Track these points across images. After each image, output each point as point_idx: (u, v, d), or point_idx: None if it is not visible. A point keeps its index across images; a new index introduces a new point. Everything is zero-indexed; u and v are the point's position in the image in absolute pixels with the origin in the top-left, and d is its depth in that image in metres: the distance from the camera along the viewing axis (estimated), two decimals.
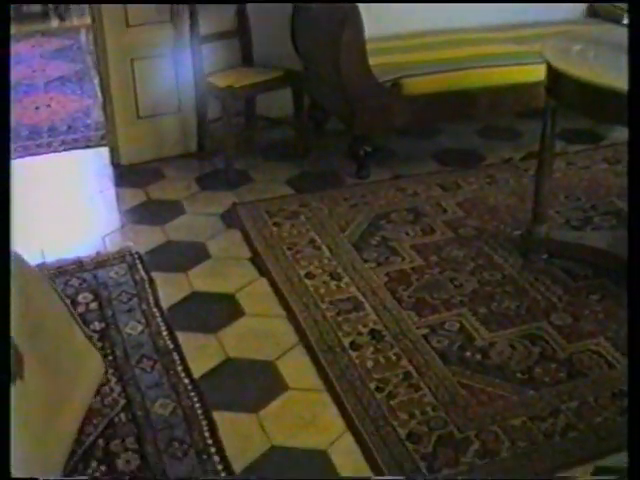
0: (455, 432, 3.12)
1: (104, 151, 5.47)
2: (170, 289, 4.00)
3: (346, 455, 3.04)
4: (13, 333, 2.27)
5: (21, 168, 5.31)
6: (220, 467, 2.97)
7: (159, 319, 3.76)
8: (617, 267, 3.99)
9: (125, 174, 5.21)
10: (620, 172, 5.11)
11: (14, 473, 2.19)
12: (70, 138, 5.81)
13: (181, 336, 3.65)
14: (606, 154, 5.40)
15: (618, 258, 3.98)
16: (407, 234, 4.43)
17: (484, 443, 3.07)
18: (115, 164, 5.32)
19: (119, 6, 5.00)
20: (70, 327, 2.78)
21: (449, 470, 2.94)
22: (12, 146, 5.54)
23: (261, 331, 3.70)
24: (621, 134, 5.61)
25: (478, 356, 3.51)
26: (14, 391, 2.29)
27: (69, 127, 5.99)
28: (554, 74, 3.81)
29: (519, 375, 3.41)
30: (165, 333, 3.66)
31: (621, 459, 3.02)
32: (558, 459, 3.02)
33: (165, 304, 3.88)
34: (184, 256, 4.29)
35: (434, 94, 4.94)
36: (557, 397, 3.30)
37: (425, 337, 3.62)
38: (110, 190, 5.08)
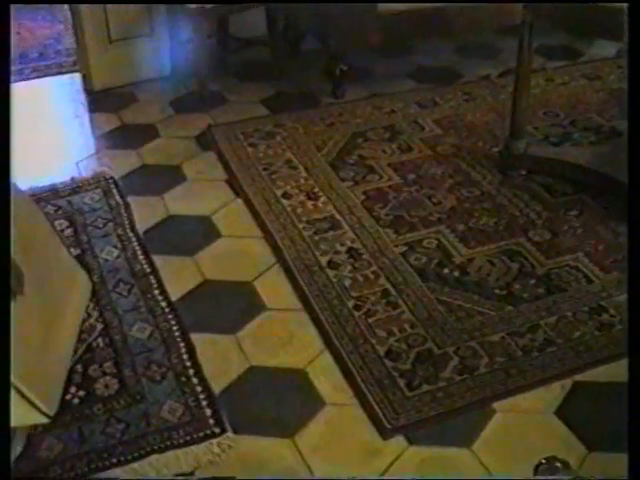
0: (434, 349, 3.12)
1: (77, 77, 5.38)
2: (146, 213, 3.96)
3: (325, 373, 3.05)
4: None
5: None
6: (199, 389, 2.96)
7: (135, 243, 3.72)
8: (596, 183, 3.97)
9: (98, 99, 5.12)
10: (599, 88, 5.07)
11: (20, 388, 2.20)
12: (42, 65, 5.70)
13: (158, 259, 3.62)
14: (585, 70, 5.34)
15: (597, 174, 3.97)
16: (384, 152, 4.39)
17: (463, 359, 3.07)
18: (88, 90, 5.23)
19: None
20: (57, 246, 2.77)
21: (428, 386, 2.95)
22: None
23: (238, 252, 3.68)
24: (600, 50, 5.57)
25: (456, 273, 3.50)
26: (15, 307, 2.30)
27: (40, 54, 5.88)
28: None
29: (497, 291, 3.41)
30: (141, 257, 3.63)
31: (598, 373, 3.05)
32: (537, 374, 3.03)
33: (141, 228, 3.84)
34: (159, 179, 4.24)
35: (410, 11, 4.86)
36: (535, 312, 3.30)
37: (403, 255, 3.60)
38: (84, 116, 4.99)
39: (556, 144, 4.47)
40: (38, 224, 2.70)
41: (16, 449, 2.61)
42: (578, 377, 3.03)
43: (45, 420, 2.38)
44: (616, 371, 3.04)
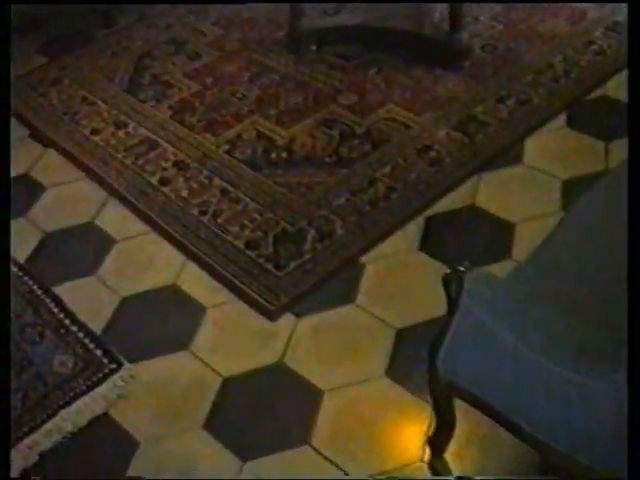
0: (288, 228, 3.21)
1: None
2: None
3: (195, 281, 3.09)
4: None
5: None
6: (81, 335, 2.92)
7: None
8: (380, 38, 4.11)
9: None
10: None
11: None
12: None
13: None
14: None
15: (376, 29, 4.11)
16: (175, 65, 4.37)
17: (318, 228, 3.17)
18: None
19: None
20: None
21: (296, 262, 3.04)
22: None
23: (69, 198, 3.62)
24: None
25: (284, 154, 3.59)
26: None
27: None
28: None
29: (327, 159, 3.52)
30: None
31: (442, 205, 3.21)
32: (389, 221, 3.18)
33: None
34: None
35: None
36: (369, 168, 3.44)
37: (228, 153, 3.65)
38: None
39: (334, 14, 4.54)
40: None
41: None
42: (428, 212, 3.19)
43: None
44: (452, 200, 3.25)
